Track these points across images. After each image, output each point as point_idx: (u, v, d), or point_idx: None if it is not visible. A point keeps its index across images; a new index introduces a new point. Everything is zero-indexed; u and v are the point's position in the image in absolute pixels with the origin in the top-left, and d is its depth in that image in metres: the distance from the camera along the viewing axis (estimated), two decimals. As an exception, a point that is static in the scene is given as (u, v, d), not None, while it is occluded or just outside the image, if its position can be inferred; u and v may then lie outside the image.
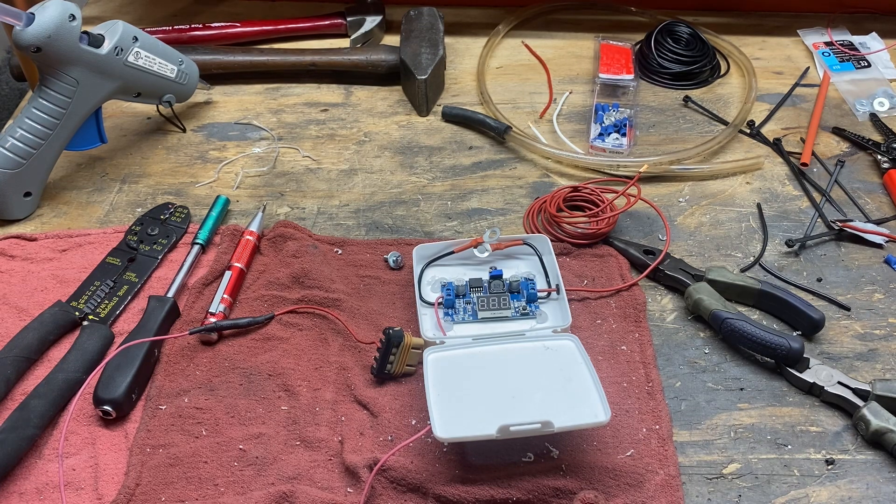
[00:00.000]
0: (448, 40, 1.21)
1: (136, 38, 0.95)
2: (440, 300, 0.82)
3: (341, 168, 1.03)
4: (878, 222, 0.94)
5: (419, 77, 1.08)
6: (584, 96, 1.14)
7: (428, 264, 0.85)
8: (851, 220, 0.94)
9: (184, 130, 1.09)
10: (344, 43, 1.23)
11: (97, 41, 0.91)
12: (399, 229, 0.95)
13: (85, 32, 0.90)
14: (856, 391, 0.76)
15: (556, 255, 0.85)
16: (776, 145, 1.05)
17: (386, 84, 1.16)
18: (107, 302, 0.84)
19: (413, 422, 0.75)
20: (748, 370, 0.80)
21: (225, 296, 0.83)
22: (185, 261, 0.88)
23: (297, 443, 0.73)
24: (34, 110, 0.90)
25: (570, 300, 0.81)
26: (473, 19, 1.29)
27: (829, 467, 0.72)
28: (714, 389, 0.78)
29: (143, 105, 1.09)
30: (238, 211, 0.97)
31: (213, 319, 0.81)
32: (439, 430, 0.67)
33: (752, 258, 0.90)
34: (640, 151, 1.04)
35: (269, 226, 0.93)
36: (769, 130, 1.08)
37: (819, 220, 0.95)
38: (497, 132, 1.06)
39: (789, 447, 0.74)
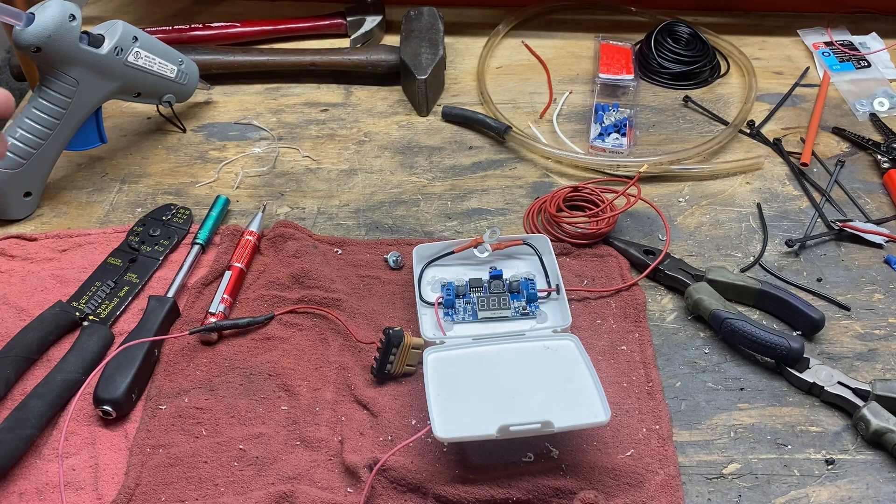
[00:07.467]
0: (448, 40, 1.21)
1: (136, 38, 0.95)
2: (440, 300, 0.82)
3: (341, 168, 1.03)
4: (878, 222, 0.94)
5: (419, 77, 1.08)
6: (584, 96, 1.14)
7: (428, 264, 0.85)
8: (851, 220, 0.94)
9: (184, 130, 1.09)
10: (344, 43, 1.23)
11: (97, 41, 0.91)
12: (399, 229, 0.95)
13: (85, 32, 0.90)
14: (856, 391, 0.76)
15: (556, 255, 0.85)
16: (776, 145, 1.05)
17: (386, 84, 1.16)
18: (107, 303, 0.84)
19: (413, 422, 0.75)
20: (748, 370, 0.80)
21: (225, 296, 0.83)
22: (185, 261, 0.88)
23: (297, 443, 0.73)
24: (34, 110, 0.90)
25: (570, 300, 0.82)
26: (473, 19, 1.29)
27: (829, 467, 0.72)
28: (714, 389, 0.78)
29: (143, 105, 1.09)
30: (238, 211, 0.97)
31: (213, 319, 0.81)
32: (439, 430, 0.67)
33: (752, 258, 0.90)
34: (640, 151, 1.04)
35: (269, 226, 0.93)
36: (769, 130, 1.08)
37: (819, 220, 0.95)
38: (497, 132, 1.06)
39: (789, 447, 0.74)
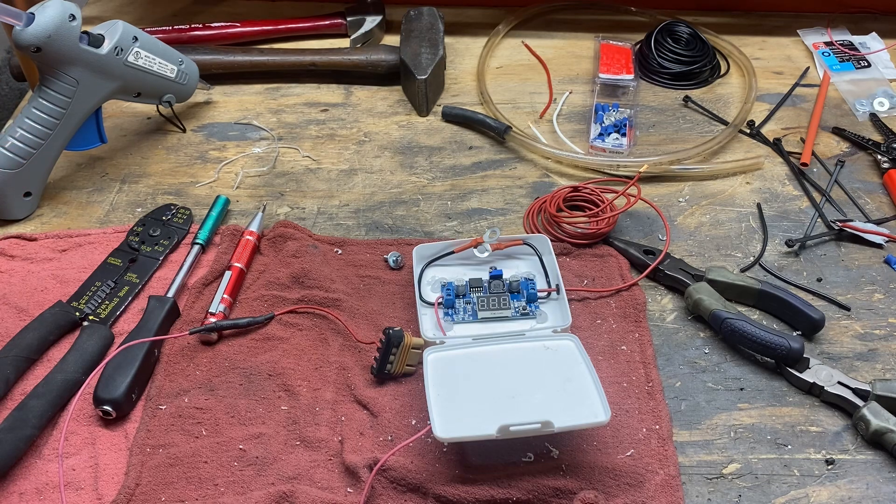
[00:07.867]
0: (448, 40, 1.21)
1: (136, 38, 0.95)
2: (440, 300, 0.82)
3: (341, 168, 1.03)
4: (878, 222, 0.94)
5: (419, 77, 1.08)
6: (584, 96, 1.14)
7: (428, 264, 0.85)
8: (851, 220, 0.94)
9: (184, 130, 1.09)
10: (344, 43, 1.23)
11: (97, 41, 0.91)
12: (399, 229, 0.95)
13: (85, 32, 0.90)
14: (856, 391, 0.76)
15: (556, 255, 0.85)
16: (776, 145, 1.05)
17: (386, 84, 1.16)
18: (107, 303, 0.84)
19: (413, 422, 0.75)
20: (748, 370, 0.80)
21: (225, 296, 0.83)
22: (185, 261, 0.88)
23: (297, 443, 0.73)
24: (34, 110, 0.90)
25: (570, 300, 0.82)
26: (473, 19, 1.29)
27: (829, 467, 0.72)
28: (714, 389, 0.78)
29: (143, 105, 1.09)
30: (238, 211, 0.97)
31: (213, 319, 0.81)
32: (439, 430, 0.67)
33: (752, 258, 0.90)
34: (640, 151, 1.04)
35: (269, 226, 0.93)
36: (769, 130, 1.08)
37: (819, 220, 0.95)
38: (497, 132, 1.06)
39: (789, 447, 0.74)
